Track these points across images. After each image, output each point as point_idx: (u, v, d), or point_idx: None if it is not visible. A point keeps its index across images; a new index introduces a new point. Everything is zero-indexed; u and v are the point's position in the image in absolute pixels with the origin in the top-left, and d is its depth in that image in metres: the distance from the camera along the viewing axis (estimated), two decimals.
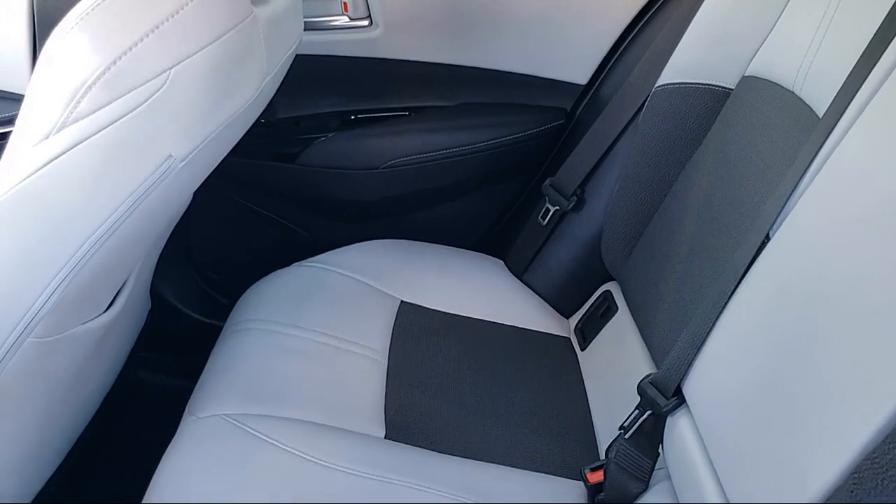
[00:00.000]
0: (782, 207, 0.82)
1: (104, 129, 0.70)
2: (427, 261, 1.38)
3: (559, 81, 1.45)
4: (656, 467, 0.92)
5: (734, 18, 1.10)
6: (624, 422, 0.92)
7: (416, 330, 1.20)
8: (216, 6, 0.77)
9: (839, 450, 0.61)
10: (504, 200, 1.54)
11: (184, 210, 1.10)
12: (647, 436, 0.91)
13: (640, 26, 1.39)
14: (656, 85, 1.18)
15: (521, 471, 1.00)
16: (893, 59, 0.77)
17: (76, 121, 0.69)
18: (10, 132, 0.79)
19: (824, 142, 0.81)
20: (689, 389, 0.87)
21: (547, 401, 1.14)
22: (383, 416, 1.03)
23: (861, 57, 0.82)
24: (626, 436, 0.92)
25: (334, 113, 1.46)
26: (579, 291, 1.34)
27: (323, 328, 1.14)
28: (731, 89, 1.11)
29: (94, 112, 0.69)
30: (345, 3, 1.37)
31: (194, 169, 0.85)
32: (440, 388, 1.11)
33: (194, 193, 1.04)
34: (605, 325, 1.24)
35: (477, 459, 1.00)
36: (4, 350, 0.78)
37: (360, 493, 0.88)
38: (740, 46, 1.09)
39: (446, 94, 1.46)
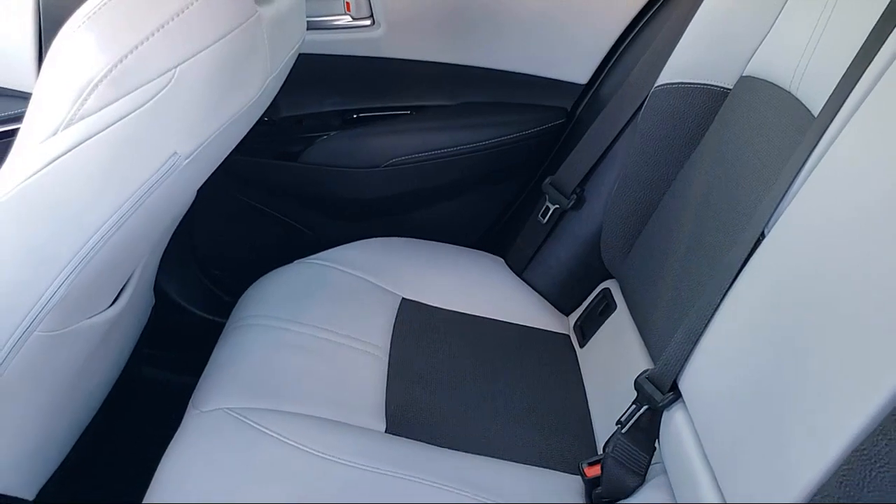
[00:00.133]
0: (777, 205, 0.84)
1: (111, 126, 0.71)
2: (428, 258, 1.39)
3: (560, 81, 1.46)
4: (653, 462, 0.93)
5: (732, 19, 1.11)
6: (621, 417, 0.94)
7: (416, 326, 1.22)
8: (221, 6, 0.78)
9: (829, 443, 0.63)
10: (504, 199, 1.55)
11: (187, 207, 1.11)
12: (643, 431, 0.92)
13: (639, 27, 1.40)
14: (655, 85, 1.19)
15: (520, 465, 1.01)
16: (887, 60, 0.78)
17: (83, 118, 0.71)
18: (17, 129, 0.80)
19: (819, 141, 0.82)
20: (684, 385, 0.88)
21: (546, 397, 1.15)
22: (384, 410, 1.04)
23: (855, 57, 0.83)
24: (623, 430, 0.93)
25: (336, 112, 1.47)
26: (579, 289, 1.35)
27: (324, 324, 1.15)
28: (730, 89, 1.12)
29: (100, 109, 0.70)
30: (347, 3, 1.38)
31: (198, 166, 0.87)
32: (440, 383, 1.12)
33: (198, 191, 1.05)
34: (603, 322, 1.25)
35: (476, 454, 1.01)
36: (11, 343, 0.79)
37: (361, 485, 0.89)
38: (738, 47, 1.10)
39: (448, 94, 1.47)
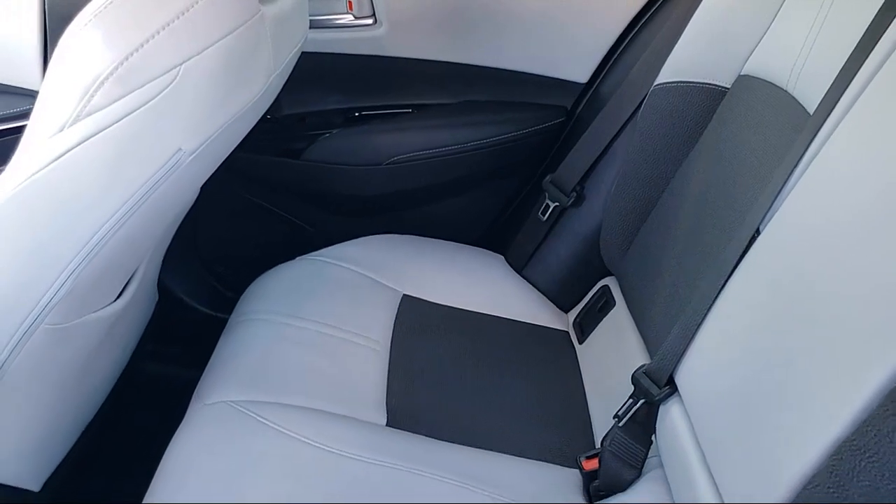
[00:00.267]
0: (772, 202, 0.85)
1: (117, 122, 0.72)
2: (429, 256, 1.40)
3: (560, 80, 1.47)
4: (650, 455, 0.95)
5: (731, 19, 1.12)
6: (618, 411, 0.95)
7: (417, 322, 1.23)
8: (225, 4, 0.79)
9: (820, 435, 0.64)
10: (505, 196, 1.56)
11: (191, 204, 1.12)
12: (640, 424, 0.94)
13: (639, 26, 1.41)
14: (655, 84, 1.20)
15: (519, 458, 1.02)
16: (881, 59, 0.79)
17: (90, 114, 0.72)
18: (23, 126, 0.82)
19: (813, 139, 0.83)
20: (680, 379, 0.89)
21: (545, 392, 1.16)
22: (385, 404, 1.05)
23: (850, 56, 0.84)
24: (620, 424, 0.94)
25: (339, 110, 1.48)
26: (578, 286, 1.36)
27: (326, 320, 1.17)
28: (728, 88, 1.13)
29: (107, 106, 0.72)
30: (349, 2, 1.40)
31: (202, 163, 0.88)
32: (440, 378, 1.13)
33: (201, 188, 1.07)
34: (602, 319, 1.26)
35: (475, 447, 1.02)
36: (19, 335, 0.80)
37: (362, 477, 0.91)
38: (737, 46, 1.11)
39: (449, 92, 1.48)
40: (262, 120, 1.06)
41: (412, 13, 1.41)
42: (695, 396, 0.86)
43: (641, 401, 0.93)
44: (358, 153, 1.46)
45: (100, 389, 1.10)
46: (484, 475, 0.95)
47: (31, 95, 0.96)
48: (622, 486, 0.94)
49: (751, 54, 1.10)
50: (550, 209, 1.36)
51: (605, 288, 1.30)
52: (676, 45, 1.18)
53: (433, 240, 1.45)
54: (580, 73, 1.46)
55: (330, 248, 1.35)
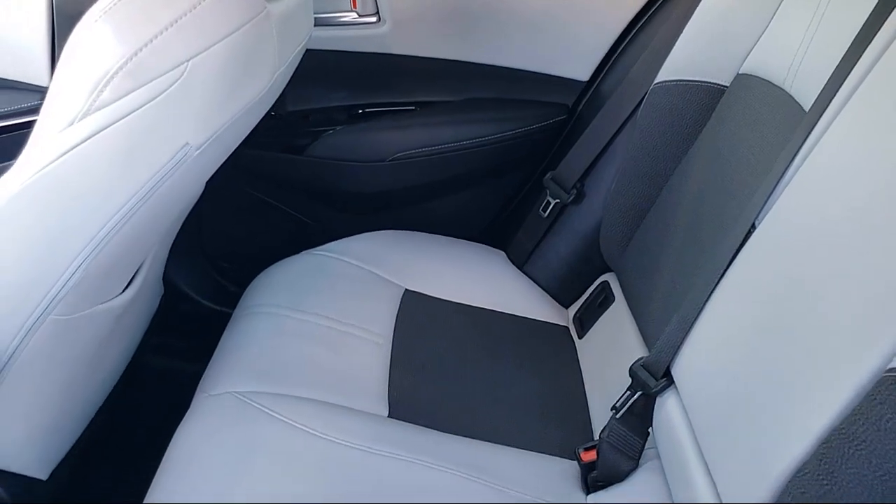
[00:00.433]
0: (767, 198, 0.86)
1: (126, 116, 0.74)
2: (431, 251, 1.42)
3: (561, 78, 1.48)
4: (647, 447, 0.96)
5: (730, 18, 1.13)
6: (616, 402, 0.96)
7: (419, 317, 1.24)
8: (232, 2, 0.81)
9: (811, 423, 0.66)
10: (506, 193, 1.57)
11: (197, 198, 1.14)
12: (637, 416, 0.95)
13: (640, 25, 1.42)
14: (654, 82, 1.21)
15: (518, 450, 1.03)
16: (875, 57, 0.81)
17: (99, 109, 0.73)
18: (31, 121, 0.83)
19: (808, 135, 0.84)
20: (677, 371, 0.91)
21: (544, 386, 1.17)
22: (386, 396, 1.07)
23: (845, 54, 0.85)
24: (618, 416, 0.96)
25: (342, 107, 1.50)
26: (578, 282, 1.37)
27: (329, 313, 1.18)
28: (726, 86, 1.14)
29: (116, 100, 0.73)
30: (353, 0, 1.41)
31: (208, 157, 0.90)
32: (441, 372, 1.15)
33: (206, 184, 1.08)
34: (602, 314, 1.27)
35: (476, 439, 1.04)
36: (28, 326, 0.82)
37: (364, 466, 0.92)
38: (735, 45, 1.12)
39: (452, 90, 1.50)
40: (267, 116, 1.08)
41: (415, 11, 1.42)
42: (690, 388, 0.88)
43: (639, 393, 0.94)
44: (361, 150, 1.47)
45: (106, 380, 1.12)
46: (483, 465, 0.97)
47: (39, 91, 0.98)
48: (620, 477, 0.96)
49: (749, 53, 1.11)
50: (551, 206, 1.37)
51: (605, 284, 1.31)
52: (676, 44, 1.19)
53: (435, 236, 1.47)
54: (581, 71, 1.47)
55: (333, 243, 1.36)
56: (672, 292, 1.04)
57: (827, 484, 0.62)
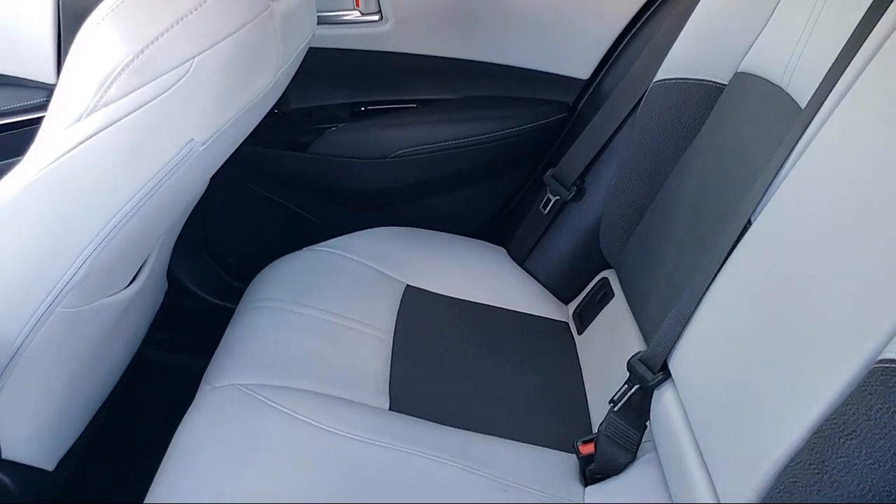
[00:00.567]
0: (763, 194, 0.88)
1: (132, 112, 0.75)
2: (432, 248, 1.43)
3: (562, 76, 1.49)
4: (644, 440, 0.97)
5: (728, 17, 1.14)
6: (613, 396, 0.98)
7: (420, 312, 1.25)
8: (236, 0, 0.82)
9: (803, 414, 0.67)
10: (507, 190, 1.58)
11: (201, 194, 1.15)
12: (635, 409, 0.96)
13: (640, 24, 1.43)
14: (654, 80, 1.22)
15: (517, 442, 1.05)
16: (869, 55, 0.82)
17: (106, 105, 0.74)
18: (37, 118, 0.85)
19: (804, 132, 0.86)
20: (674, 365, 0.92)
21: (544, 380, 1.19)
22: (388, 389, 1.08)
23: (840, 53, 0.87)
24: (616, 409, 0.97)
25: (345, 104, 1.51)
26: (578, 278, 1.38)
27: (332, 308, 1.19)
28: (725, 85, 1.15)
29: (122, 97, 0.74)
30: None
31: (213, 153, 0.91)
32: (442, 366, 1.16)
33: (210, 180, 1.09)
34: (601, 310, 1.28)
35: (475, 432, 1.05)
36: (36, 318, 0.83)
37: (365, 457, 0.94)
38: (734, 44, 1.13)
39: (453, 88, 1.51)
40: (270, 114, 1.09)
41: (417, 10, 1.44)
42: (687, 381, 0.89)
43: (636, 386, 0.95)
44: (363, 147, 1.49)
45: (111, 373, 1.13)
46: (482, 457, 0.98)
47: (45, 88, 0.99)
48: (617, 470, 0.97)
49: (747, 52, 1.12)
50: (551, 203, 1.38)
51: (605, 280, 1.33)
52: (675, 43, 1.20)
53: (436, 232, 1.48)
54: (582, 69, 1.48)
55: (335, 239, 1.37)
56: (670, 288, 1.05)
57: (818, 473, 0.63)
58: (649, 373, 0.94)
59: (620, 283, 1.27)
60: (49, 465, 1.01)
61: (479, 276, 1.39)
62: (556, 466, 1.01)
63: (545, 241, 1.41)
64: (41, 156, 0.76)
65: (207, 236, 1.56)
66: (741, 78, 1.12)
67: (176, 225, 1.15)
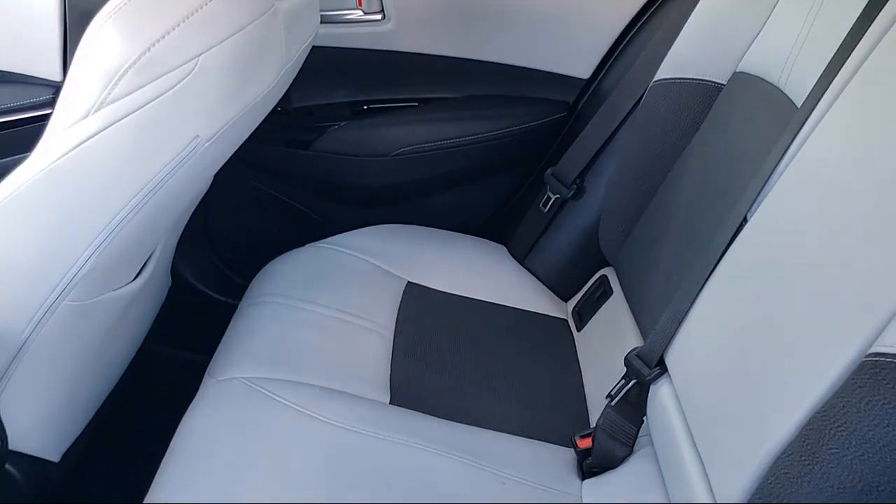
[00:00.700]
0: (759, 191, 0.89)
1: (138, 109, 0.77)
2: (433, 245, 1.44)
3: (563, 76, 1.50)
4: (641, 434, 0.98)
5: (727, 18, 1.15)
6: (611, 391, 0.99)
7: (420, 308, 1.27)
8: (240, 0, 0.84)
9: (795, 407, 0.68)
10: (507, 189, 1.59)
11: (205, 190, 1.16)
12: (631, 404, 0.97)
13: (639, 25, 1.44)
14: (653, 80, 1.23)
15: (516, 437, 1.06)
16: (863, 55, 0.83)
17: (112, 102, 0.76)
18: (44, 114, 0.86)
19: (798, 132, 0.87)
20: (670, 360, 0.93)
21: (543, 376, 1.20)
22: (388, 384, 1.10)
23: (835, 53, 0.88)
24: (613, 404, 0.98)
25: (347, 103, 1.52)
26: (577, 276, 1.39)
27: (333, 304, 1.21)
28: (723, 84, 1.16)
29: (129, 94, 0.76)
30: None
31: (217, 150, 0.92)
32: (442, 361, 1.17)
33: (214, 178, 1.11)
34: (600, 307, 1.30)
35: (475, 426, 1.06)
36: (43, 311, 0.85)
37: (365, 450, 0.95)
38: (732, 44, 1.14)
39: (454, 86, 1.52)
40: (273, 112, 1.10)
41: (419, 9, 1.45)
42: (683, 376, 0.90)
43: (633, 381, 0.97)
44: (365, 145, 1.50)
45: (116, 366, 1.15)
46: (481, 451, 0.99)
47: (52, 86, 1.00)
48: (614, 463, 0.98)
49: (746, 52, 1.13)
50: (551, 201, 1.39)
51: (604, 278, 1.34)
52: (675, 43, 1.22)
53: (437, 229, 1.49)
54: (582, 69, 1.50)
55: (338, 236, 1.39)
56: (668, 285, 1.06)
57: (808, 464, 0.64)
58: (646, 368, 0.95)
59: (619, 280, 1.28)
60: (55, 456, 1.02)
61: (480, 273, 1.40)
62: (554, 460, 1.03)
63: (545, 239, 1.42)
64: (49, 152, 0.78)
65: (211, 233, 1.58)
66: (739, 78, 1.13)
67: (180, 221, 1.17)
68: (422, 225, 1.50)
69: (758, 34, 1.12)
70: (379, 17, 1.45)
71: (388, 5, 1.44)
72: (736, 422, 0.76)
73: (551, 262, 1.42)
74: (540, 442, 1.06)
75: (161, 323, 1.29)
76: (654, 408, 0.94)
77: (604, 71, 1.49)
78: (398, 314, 1.24)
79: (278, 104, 1.12)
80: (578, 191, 1.38)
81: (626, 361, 0.98)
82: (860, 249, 0.70)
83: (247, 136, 1.04)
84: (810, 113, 0.87)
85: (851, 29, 0.87)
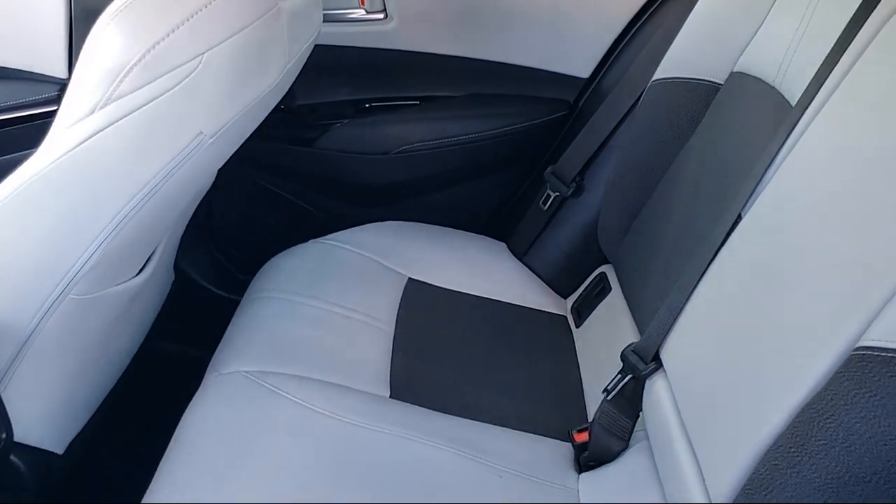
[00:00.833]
0: (754, 189, 0.90)
1: (143, 106, 0.78)
2: (434, 242, 1.45)
3: (563, 75, 1.52)
4: (637, 429, 1.00)
5: (725, 18, 1.16)
6: (607, 385, 1.00)
7: (421, 305, 1.28)
8: None
9: (785, 401, 0.70)
10: (508, 186, 1.60)
11: (208, 187, 1.18)
12: (627, 399, 0.99)
13: (639, 24, 1.46)
14: (652, 79, 1.25)
15: (514, 431, 1.07)
16: (856, 55, 0.84)
17: (118, 99, 0.77)
18: (50, 111, 0.87)
19: (792, 130, 0.88)
20: (665, 355, 0.94)
21: (542, 372, 1.21)
22: (388, 378, 1.11)
23: (829, 53, 0.89)
24: (609, 398, 1.00)
25: (350, 101, 1.54)
26: (576, 273, 1.40)
27: (335, 299, 1.22)
28: (721, 84, 1.17)
29: (134, 91, 0.77)
30: None
31: (220, 147, 0.94)
32: (442, 357, 1.18)
33: (217, 174, 1.12)
34: (598, 304, 1.31)
35: (474, 420, 1.08)
36: (48, 304, 0.86)
37: (365, 443, 0.96)
38: (730, 44, 1.15)
39: (456, 85, 1.53)
40: (277, 110, 1.11)
41: (421, 8, 1.46)
42: (677, 371, 0.91)
43: (629, 376, 0.98)
44: (367, 143, 1.51)
45: (119, 360, 1.16)
46: (480, 444, 1.01)
47: (57, 83, 1.02)
48: (610, 457, 0.99)
49: (743, 52, 1.14)
50: (551, 199, 1.40)
51: (602, 275, 1.35)
52: (673, 43, 1.23)
53: (438, 227, 1.51)
54: (583, 68, 1.51)
55: (340, 232, 1.40)
56: (665, 282, 1.07)
57: (797, 455, 0.66)
58: (641, 363, 0.96)
59: (618, 277, 1.29)
60: (59, 448, 1.03)
61: (480, 270, 1.41)
62: (551, 454, 1.04)
63: (545, 237, 1.43)
64: (55, 147, 0.79)
65: (214, 229, 1.59)
66: (736, 77, 1.14)
67: (183, 217, 1.18)
68: (423, 222, 1.51)
69: (754, 35, 1.13)
70: (381, 16, 1.47)
71: (391, 4, 1.45)
72: (728, 415, 0.78)
73: (551, 259, 1.43)
74: (538, 436, 1.07)
75: (164, 318, 1.31)
76: (650, 402, 0.96)
77: (604, 70, 1.50)
78: (399, 310, 1.25)
79: (281, 102, 1.13)
80: (578, 189, 1.39)
81: (623, 357, 0.99)
82: (849, 246, 0.71)
83: (250, 133, 1.05)
84: (803, 112, 0.88)
85: (844, 30, 0.89)
